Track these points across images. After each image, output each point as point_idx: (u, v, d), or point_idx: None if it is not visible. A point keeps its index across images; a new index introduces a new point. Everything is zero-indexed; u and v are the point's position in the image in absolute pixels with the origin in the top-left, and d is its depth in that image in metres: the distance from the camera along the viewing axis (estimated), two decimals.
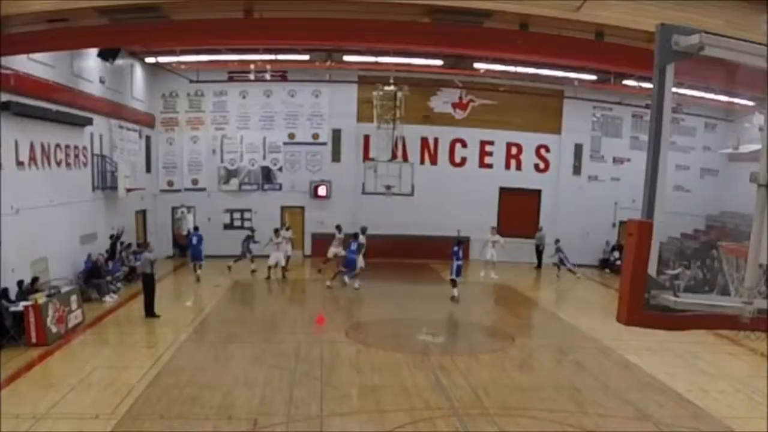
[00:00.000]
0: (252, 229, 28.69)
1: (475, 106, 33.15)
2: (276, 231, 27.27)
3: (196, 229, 28.07)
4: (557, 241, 29.91)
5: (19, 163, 18.57)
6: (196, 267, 26.86)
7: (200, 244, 27.04)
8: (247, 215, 32.45)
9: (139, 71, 29.43)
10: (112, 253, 25.17)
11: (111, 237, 25.51)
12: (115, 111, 26.31)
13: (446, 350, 18.08)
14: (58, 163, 21.14)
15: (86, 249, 22.98)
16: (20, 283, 17.78)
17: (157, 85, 31.30)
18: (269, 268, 26.86)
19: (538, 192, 33.96)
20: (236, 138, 32.30)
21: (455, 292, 23.78)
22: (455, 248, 24.09)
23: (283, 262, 27.15)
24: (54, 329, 17.25)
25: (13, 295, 17.33)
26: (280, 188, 32.70)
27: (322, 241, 30.03)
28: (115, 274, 23.75)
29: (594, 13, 14.79)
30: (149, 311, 20.11)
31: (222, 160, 32.37)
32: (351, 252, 25.75)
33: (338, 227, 28.01)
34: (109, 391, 13.78)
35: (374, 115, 28.97)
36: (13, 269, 17.80)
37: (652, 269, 6.32)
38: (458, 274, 24.17)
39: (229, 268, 27.56)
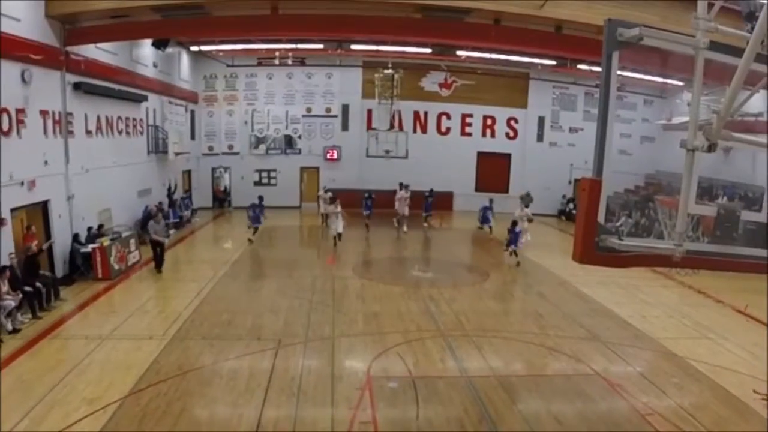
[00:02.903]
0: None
1: (458, 85, 32.92)
2: (333, 200, 24.09)
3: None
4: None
5: (88, 132, 18.39)
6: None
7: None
8: (273, 174, 32.53)
9: (185, 57, 29.09)
10: (170, 202, 25.49)
11: (168, 190, 25.83)
12: (166, 90, 26.12)
13: (434, 283, 18.06)
14: (120, 132, 20.93)
15: (143, 201, 22.91)
16: (89, 229, 17.82)
17: (199, 68, 31.09)
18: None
19: (509, 155, 33.82)
20: (264, 112, 32.18)
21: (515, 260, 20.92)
22: (514, 231, 20.76)
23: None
24: (116, 266, 17.41)
25: (83, 239, 17.41)
26: (300, 152, 32.55)
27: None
28: (169, 221, 23.56)
29: (554, 10, 14.93)
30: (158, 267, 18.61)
31: (252, 130, 32.26)
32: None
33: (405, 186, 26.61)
34: (161, 317, 13.93)
35: (376, 93, 28.96)
36: (83, 218, 17.81)
37: (600, 218, 6.32)
38: (512, 243, 20.77)
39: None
